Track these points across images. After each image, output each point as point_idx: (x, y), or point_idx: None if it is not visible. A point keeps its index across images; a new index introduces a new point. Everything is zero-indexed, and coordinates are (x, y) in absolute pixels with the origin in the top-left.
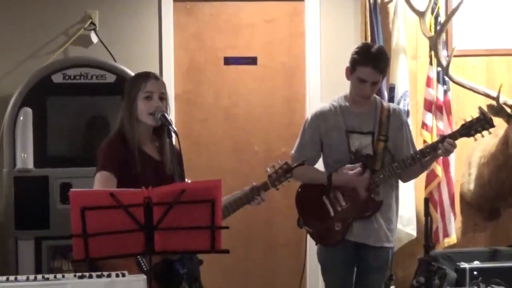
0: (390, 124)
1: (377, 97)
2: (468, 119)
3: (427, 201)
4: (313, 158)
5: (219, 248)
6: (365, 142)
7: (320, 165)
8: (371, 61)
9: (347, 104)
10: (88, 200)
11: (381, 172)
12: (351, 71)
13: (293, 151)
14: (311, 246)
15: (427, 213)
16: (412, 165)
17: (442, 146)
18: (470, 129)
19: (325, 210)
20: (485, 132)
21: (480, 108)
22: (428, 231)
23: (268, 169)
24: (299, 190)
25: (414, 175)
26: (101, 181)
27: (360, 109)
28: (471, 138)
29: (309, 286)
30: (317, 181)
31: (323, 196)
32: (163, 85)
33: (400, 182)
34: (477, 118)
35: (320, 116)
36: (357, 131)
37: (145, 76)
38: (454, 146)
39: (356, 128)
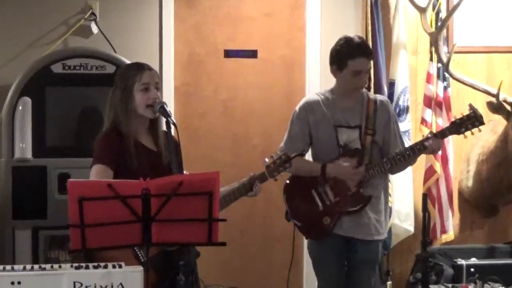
0: (377, 117)
1: (364, 90)
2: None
3: (425, 196)
4: (302, 150)
5: (216, 241)
6: (353, 136)
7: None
8: (361, 51)
9: (334, 97)
10: (86, 190)
11: (371, 167)
12: (340, 68)
13: (282, 144)
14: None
15: (425, 208)
16: (402, 162)
17: (430, 144)
18: (461, 126)
19: (313, 204)
20: (475, 130)
21: (470, 106)
22: (425, 227)
23: (266, 159)
24: (288, 182)
25: (401, 169)
26: (97, 174)
27: (347, 103)
28: (468, 135)
29: (306, 278)
30: (313, 173)
31: (311, 189)
32: (156, 75)
33: (394, 176)
34: (468, 116)
35: (308, 108)
36: (345, 125)
37: (139, 68)
38: (441, 145)
39: (343, 122)
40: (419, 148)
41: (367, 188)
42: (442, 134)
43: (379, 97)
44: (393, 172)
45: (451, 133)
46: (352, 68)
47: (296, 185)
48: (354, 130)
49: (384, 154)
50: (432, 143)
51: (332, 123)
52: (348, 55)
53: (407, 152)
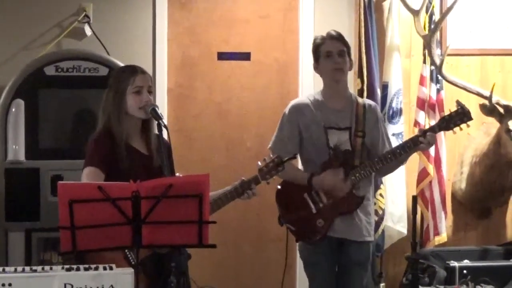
0: (366, 120)
1: (353, 93)
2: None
3: (414, 199)
4: (295, 154)
5: (207, 243)
6: (343, 138)
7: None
8: (329, 36)
9: (323, 99)
10: (76, 192)
11: (362, 167)
12: (317, 59)
13: (270, 144)
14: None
15: (414, 211)
16: (393, 160)
17: (424, 140)
18: (450, 122)
19: (306, 207)
20: (463, 126)
21: (458, 102)
22: (415, 229)
23: (259, 162)
24: (279, 187)
25: (391, 170)
26: (88, 177)
27: (337, 105)
28: (464, 137)
29: (299, 281)
30: (298, 181)
31: (304, 193)
32: (150, 79)
33: (388, 178)
34: (456, 112)
35: (298, 109)
36: (335, 127)
37: (132, 71)
38: (434, 140)
39: (333, 124)
40: (409, 145)
41: (358, 189)
42: (432, 130)
43: (367, 101)
44: (383, 173)
45: (441, 129)
46: (324, 50)
47: (288, 189)
48: (344, 132)
49: (373, 156)
50: (424, 140)
51: (322, 124)
52: (319, 44)
53: (398, 150)
